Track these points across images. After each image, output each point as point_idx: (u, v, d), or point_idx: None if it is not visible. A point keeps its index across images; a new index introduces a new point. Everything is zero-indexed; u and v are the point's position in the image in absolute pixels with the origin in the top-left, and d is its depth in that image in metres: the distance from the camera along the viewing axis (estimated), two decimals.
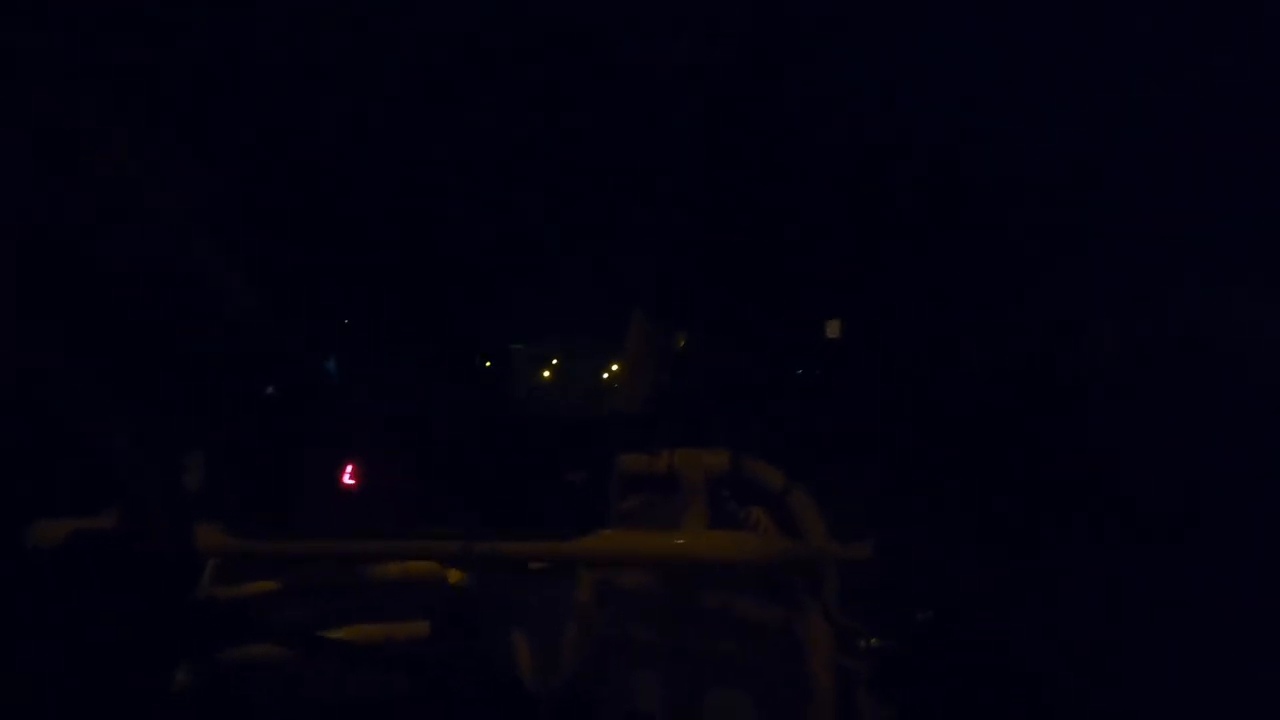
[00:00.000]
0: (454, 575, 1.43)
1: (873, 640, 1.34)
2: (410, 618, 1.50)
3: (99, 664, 0.87)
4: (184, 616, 0.87)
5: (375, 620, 1.53)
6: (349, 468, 1.01)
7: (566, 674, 1.66)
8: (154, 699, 0.88)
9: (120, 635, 0.85)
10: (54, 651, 0.86)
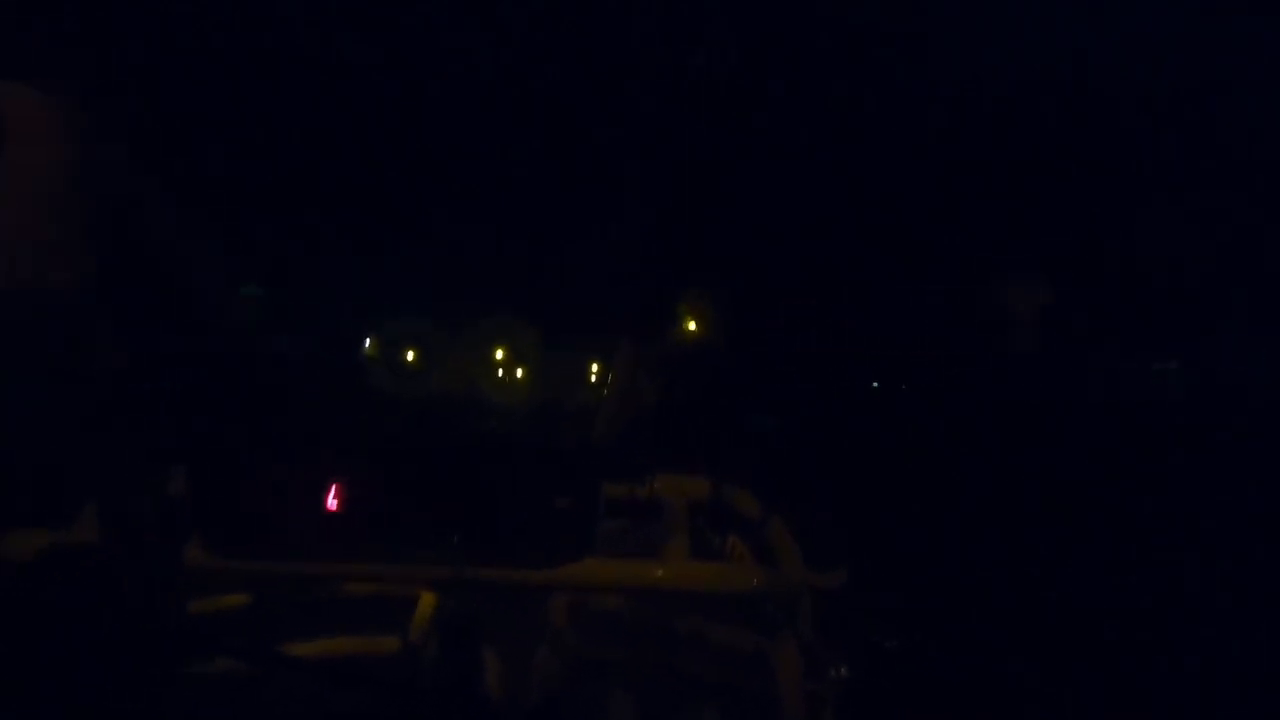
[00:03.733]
0: (428, 594, 1.42)
1: (843, 669, 1.37)
2: (381, 634, 1.49)
3: (72, 682, 0.85)
4: (159, 633, 0.85)
5: (345, 635, 1.52)
6: (333, 489, 0.99)
7: (538, 694, 1.66)
8: (129, 717, 0.86)
9: (94, 652, 0.83)
10: (24, 669, 0.84)
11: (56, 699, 0.87)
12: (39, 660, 0.88)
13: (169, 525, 1.03)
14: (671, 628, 1.50)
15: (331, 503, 1.02)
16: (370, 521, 1.03)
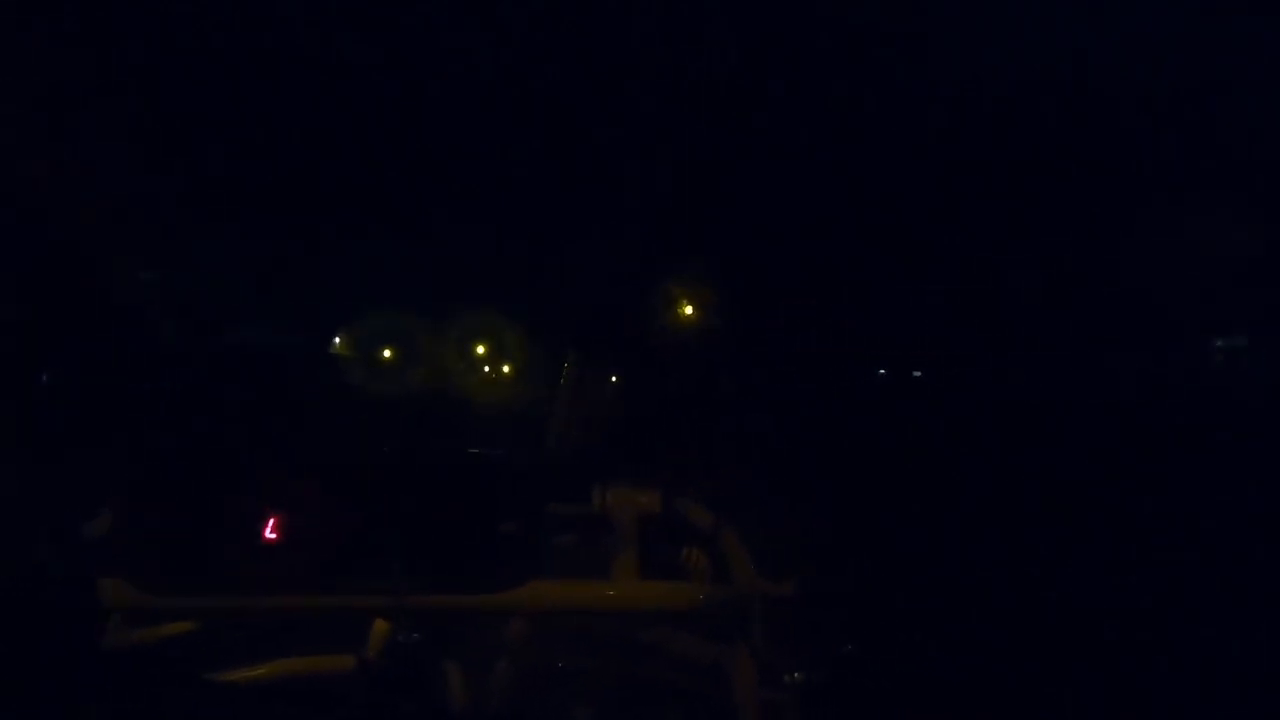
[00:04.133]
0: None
1: (797, 675, 1.38)
2: (336, 651, 1.48)
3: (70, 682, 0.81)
4: (83, 672, 0.81)
5: (298, 654, 1.50)
6: (271, 520, 0.97)
7: (498, 704, 1.66)
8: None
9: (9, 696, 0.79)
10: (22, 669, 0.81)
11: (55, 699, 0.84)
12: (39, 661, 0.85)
13: (90, 558, 0.98)
14: (630, 638, 1.51)
15: (270, 534, 0.99)
16: (311, 552, 1.01)
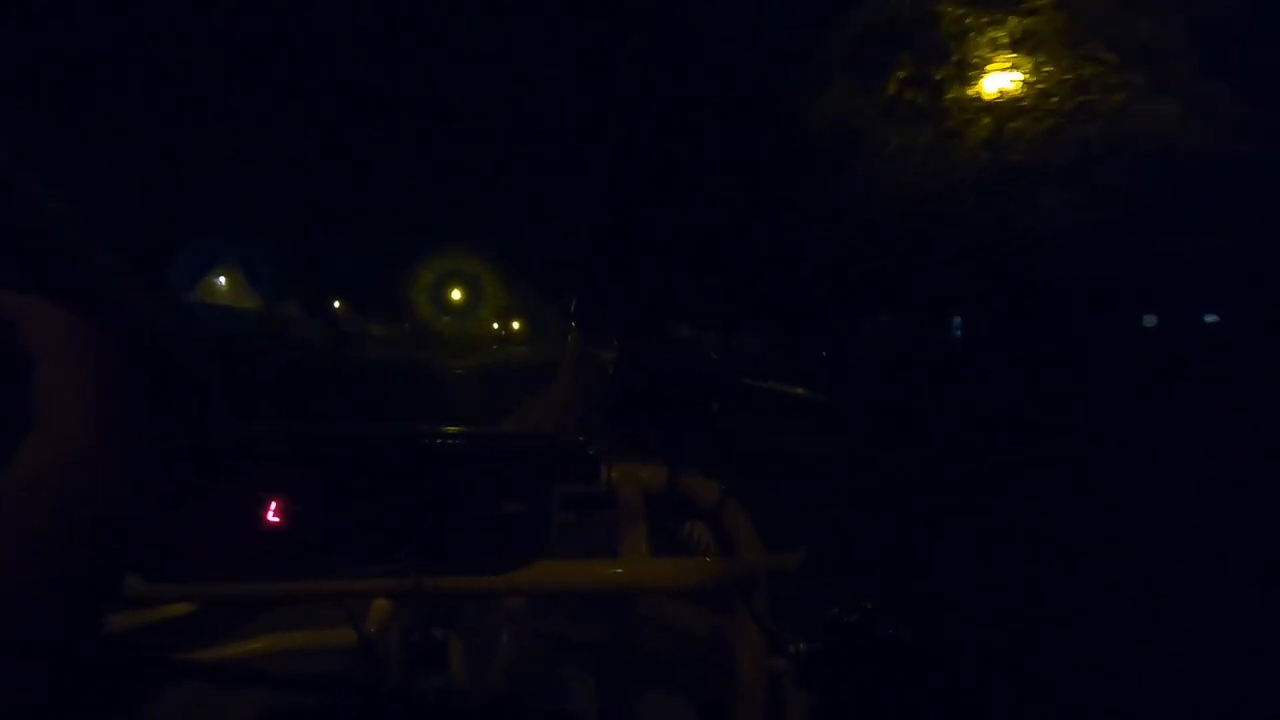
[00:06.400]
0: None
1: (801, 645, 1.38)
2: (337, 625, 1.47)
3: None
4: (73, 661, 0.77)
5: (298, 629, 1.49)
6: (272, 505, 0.94)
7: (500, 675, 1.66)
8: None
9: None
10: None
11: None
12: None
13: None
14: (631, 608, 1.50)
15: (272, 518, 0.96)
16: (313, 536, 0.98)
